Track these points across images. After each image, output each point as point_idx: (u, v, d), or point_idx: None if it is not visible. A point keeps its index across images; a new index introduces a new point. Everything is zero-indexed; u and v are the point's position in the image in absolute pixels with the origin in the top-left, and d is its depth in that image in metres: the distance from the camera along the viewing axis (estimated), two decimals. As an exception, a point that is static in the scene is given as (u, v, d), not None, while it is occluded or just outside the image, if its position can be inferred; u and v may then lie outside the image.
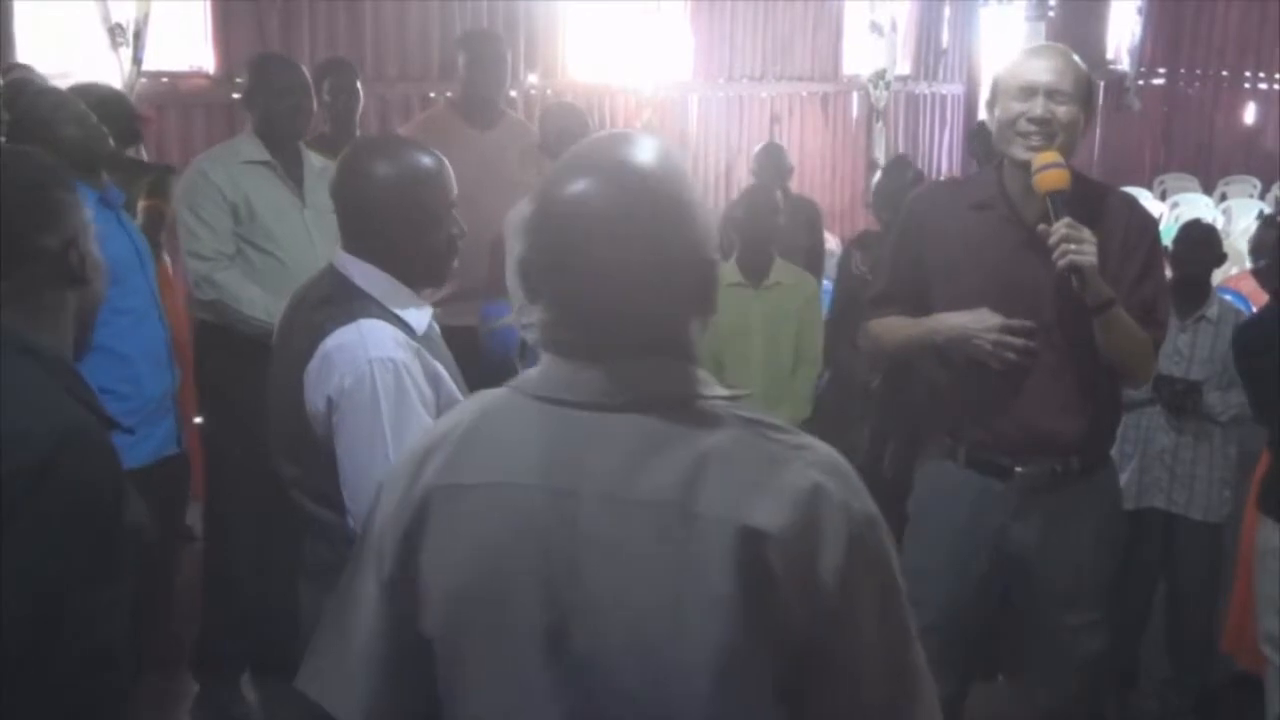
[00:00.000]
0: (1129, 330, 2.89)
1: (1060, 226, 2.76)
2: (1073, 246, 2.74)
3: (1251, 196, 13.62)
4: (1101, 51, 15.27)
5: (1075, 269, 2.75)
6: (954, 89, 12.50)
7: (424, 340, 2.48)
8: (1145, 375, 3.21)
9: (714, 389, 1.44)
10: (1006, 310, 2.90)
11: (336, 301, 2.44)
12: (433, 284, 2.59)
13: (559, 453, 1.41)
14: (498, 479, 1.43)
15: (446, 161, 2.54)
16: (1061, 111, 2.88)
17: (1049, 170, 2.82)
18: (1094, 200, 2.95)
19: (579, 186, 1.39)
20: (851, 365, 4.84)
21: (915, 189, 4.23)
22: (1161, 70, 15.69)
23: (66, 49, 6.18)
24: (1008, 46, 12.52)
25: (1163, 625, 4.49)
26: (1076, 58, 2.99)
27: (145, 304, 3.70)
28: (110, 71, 5.93)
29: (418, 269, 2.50)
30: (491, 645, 1.43)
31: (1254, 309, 7.92)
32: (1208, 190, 13.85)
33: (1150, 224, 3.09)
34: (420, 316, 2.49)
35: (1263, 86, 15.42)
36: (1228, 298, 4.99)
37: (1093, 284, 2.79)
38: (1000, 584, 3.09)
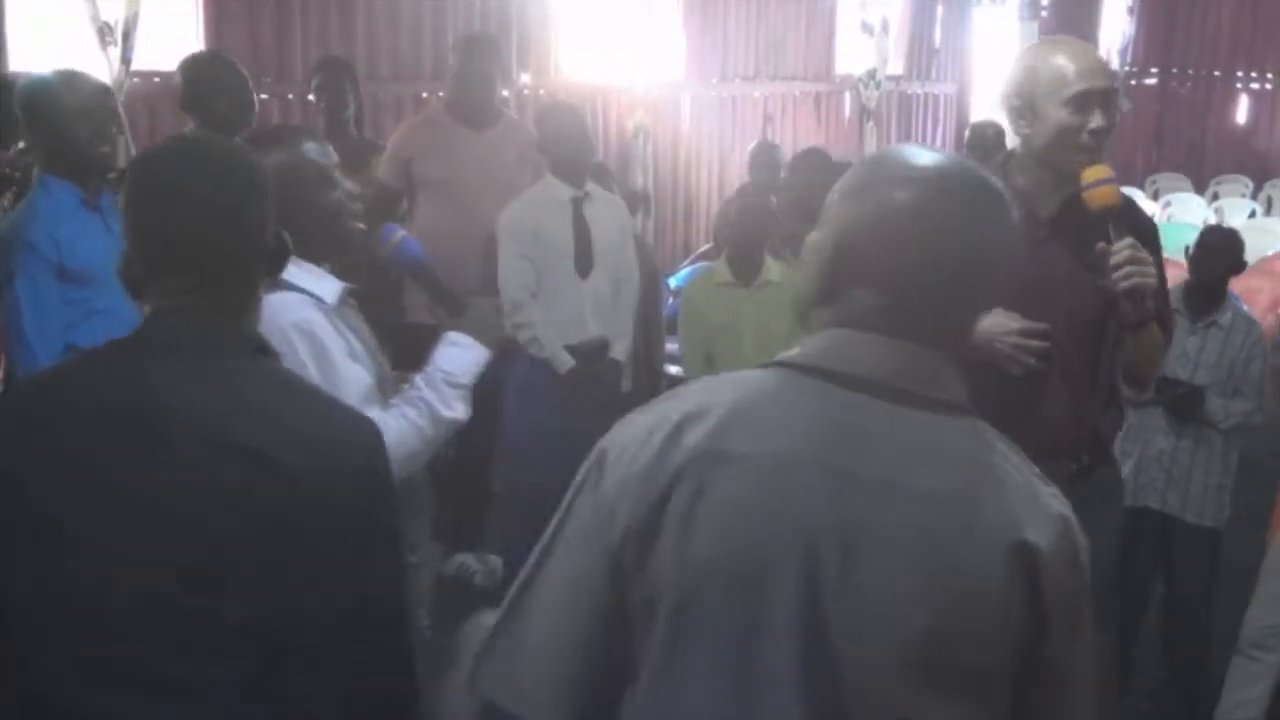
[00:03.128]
0: (1155, 340, 2.88)
1: (1124, 248, 2.68)
2: (1137, 270, 2.68)
3: (1243, 196, 13.63)
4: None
5: (1140, 292, 2.69)
6: (946, 89, 12.50)
7: (337, 310, 2.53)
8: (1153, 379, 3.21)
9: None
10: (1020, 309, 2.85)
11: None
12: (339, 254, 2.63)
13: (837, 431, 1.41)
14: (768, 448, 1.42)
15: (313, 142, 2.61)
16: (1112, 117, 2.83)
17: (1101, 187, 2.75)
18: (1125, 213, 2.87)
19: (924, 189, 1.46)
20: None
21: None
22: (1153, 70, 15.71)
23: (56, 48, 6.15)
24: (1000, 46, 12.55)
25: (1158, 627, 4.49)
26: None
27: (125, 306, 3.68)
28: (99, 71, 5.90)
29: (317, 245, 2.54)
30: (737, 616, 1.40)
31: (1246, 309, 7.97)
32: (1199, 190, 13.86)
33: (1153, 227, 3.06)
34: (330, 288, 2.54)
35: (1255, 86, 15.43)
36: (1243, 308, 4.96)
37: (1148, 305, 2.73)
38: None
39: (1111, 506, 3.14)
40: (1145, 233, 2.99)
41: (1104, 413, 3.02)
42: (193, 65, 4.41)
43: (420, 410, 2.55)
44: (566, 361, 4.57)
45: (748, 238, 4.71)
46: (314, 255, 2.54)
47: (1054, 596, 1.39)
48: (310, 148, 2.56)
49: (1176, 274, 4.38)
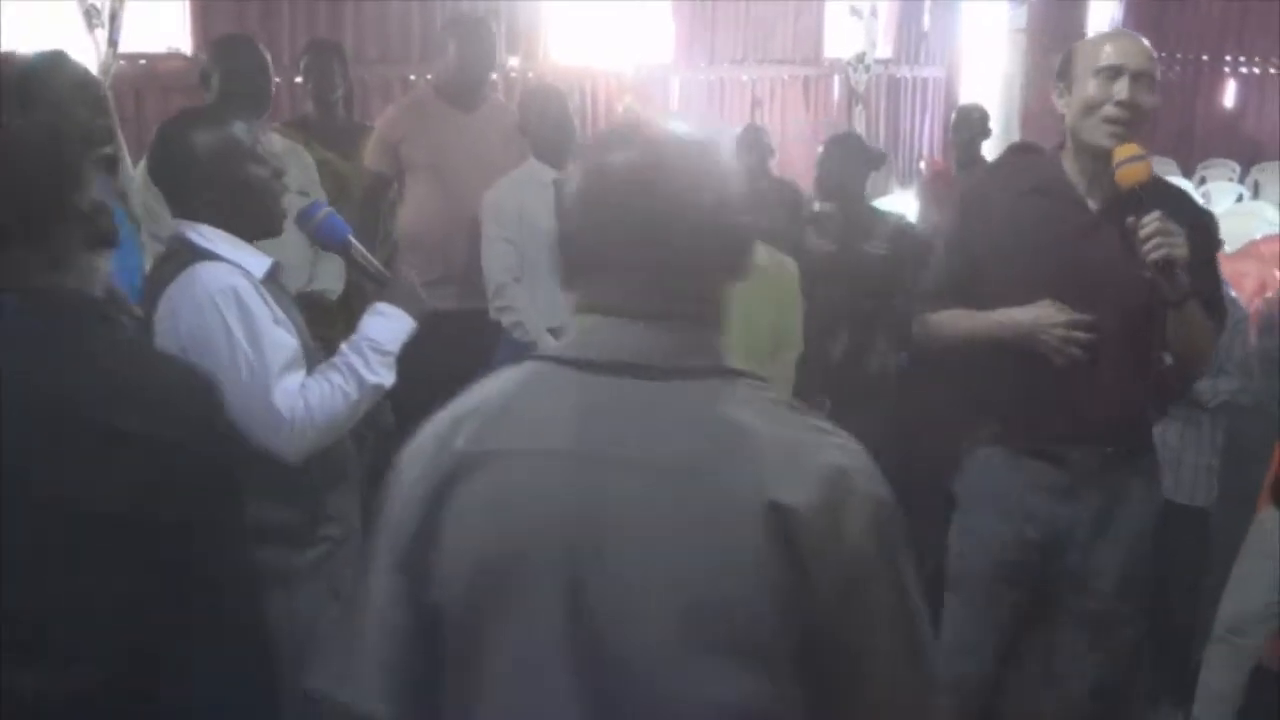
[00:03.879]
0: (1200, 321, 2.89)
1: (1153, 220, 2.71)
2: (1166, 240, 2.70)
3: (1231, 180, 13.66)
4: (1082, 35, 15.29)
5: (1169, 263, 2.71)
6: (935, 73, 12.48)
7: (266, 283, 2.61)
8: (1207, 363, 3.24)
9: (741, 366, 1.48)
10: (1067, 296, 2.85)
11: (172, 259, 2.61)
12: (267, 232, 2.70)
13: (589, 418, 1.43)
14: (527, 445, 1.44)
15: (244, 121, 2.68)
16: (1146, 98, 2.85)
17: (1133, 164, 2.78)
18: (1158, 191, 2.90)
19: (627, 154, 1.45)
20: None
21: (937, 179, 4.21)
22: (1141, 54, 15.69)
23: (42, 31, 6.12)
24: (988, 30, 12.53)
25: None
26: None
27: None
28: (86, 54, 5.87)
29: (246, 222, 2.64)
30: (511, 610, 1.42)
31: (1234, 294, 7.98)
32: (1188, 174, 13.87)
33: (1208, 216, 3.07)
34: (257, 262, 2.62)
35: (1243, 70, 15.46)
36: (1231, 291, 4.97)
37: (1181, 278, 2.75)
38: (1042, 569, 3.08)
39: (1152, 493, 3.15)
40: (1205, 223, 3.02)
41: (1147, 399, 3.03)
42: (221, 47, 4.38)
43: (345, 375, 2.61)
44: (552, 345, 4.56)
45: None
46: (242, 231, 2.63)
47: (818, 555, 1.36)
48: (237, 125, 2.63)
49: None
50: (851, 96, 11.03)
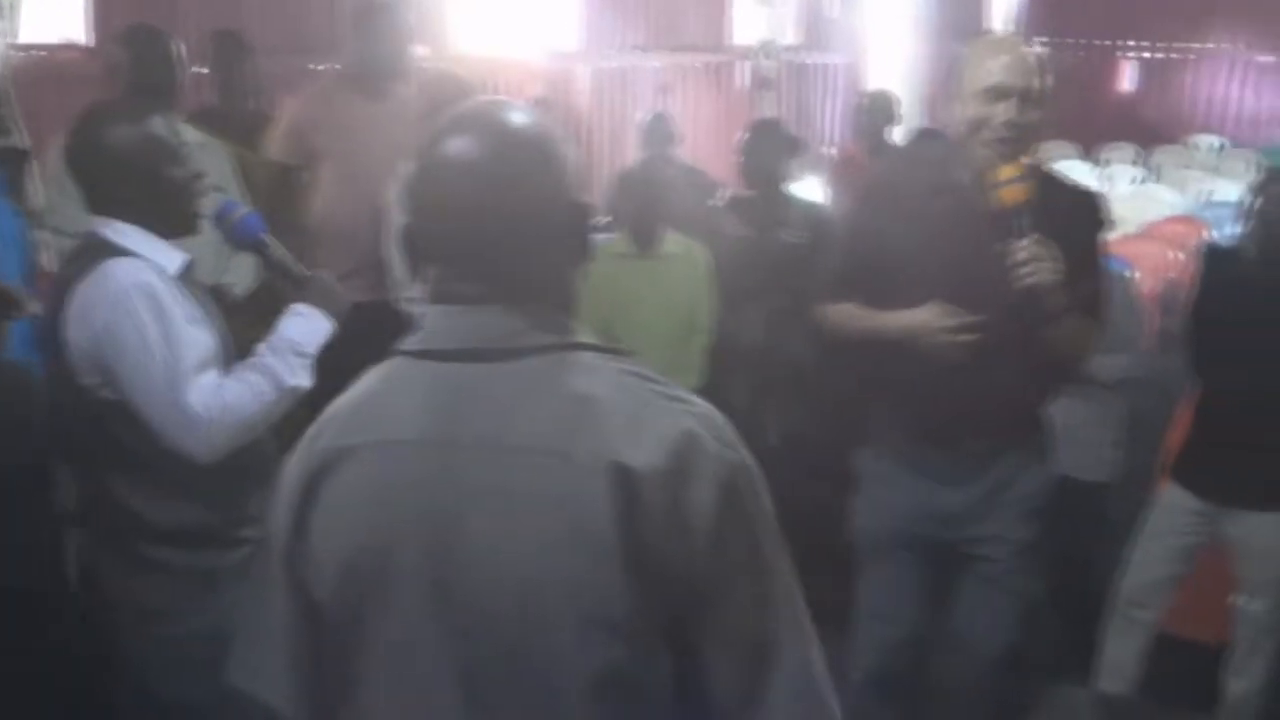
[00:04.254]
0: (1075, 329, 2.95)
1: (1023, 247, 2.77)
2: (1034, 268, 2.76)
3: (1131, 163, 13.92)
4: (982, 20, 15.47)
5: (1037, 289, 2.77)
6: (839, 59, 12.58)
7: (181, 280, 2.59)
8: (1083, 364, 3.32)
9: (592, 340, 1.49)
10: (959, 296, 2.89)
11: (84, 252, 2.58)
12: (184, 232, 2.67)
13: (438, 406, 1.44)
14: (379, 437, 1.46)
15: (163, 115, 2.66)
16: (1030, 116, 2.87)
17: (1012, 185, 2.81)
18: (1048, 194, 2.93)
19: (455, 142, 1.46)
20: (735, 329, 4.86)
21: (847, 164, 4.23)
22: (1043, 38, 15.93)
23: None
24: (893, 16, 12.64)
25: (1050, 583, 4.59)
26: (1036, 50, 2.98)
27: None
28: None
29: (163, 220, 2.61)
30: (379, 604, 1.44)
31: (1136, 274, 8.15)
32: (1089, 157, 14.11)
33: (1099, 218, 3.11)
34: (172, 258, 2.60)
35: (1143, 55, 15.74)
36: (1123, 270, 5.09)
37: (1049, 301, 2.81)
38: (940, 539, 3.17)
39: (1044, 468, 3.23)
40: (1093, 226, 3.06)
41: (1040, 389, 3.10)
42: (129, 38, 4.31)
43: (263, 376, 2.59)
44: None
45: (647, 209, 4.72)
46: (159, 229, 2.59)
47: (667, 518, 1.37)
48: (158, 122, 2.60)
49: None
50: (759, 83, 11.09)
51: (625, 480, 1.36)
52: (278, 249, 2.86)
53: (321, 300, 2.77)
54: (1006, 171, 2.82)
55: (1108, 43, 15.89)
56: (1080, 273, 2.93)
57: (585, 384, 1.43)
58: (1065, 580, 4.58)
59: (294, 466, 1.53)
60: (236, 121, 4.97)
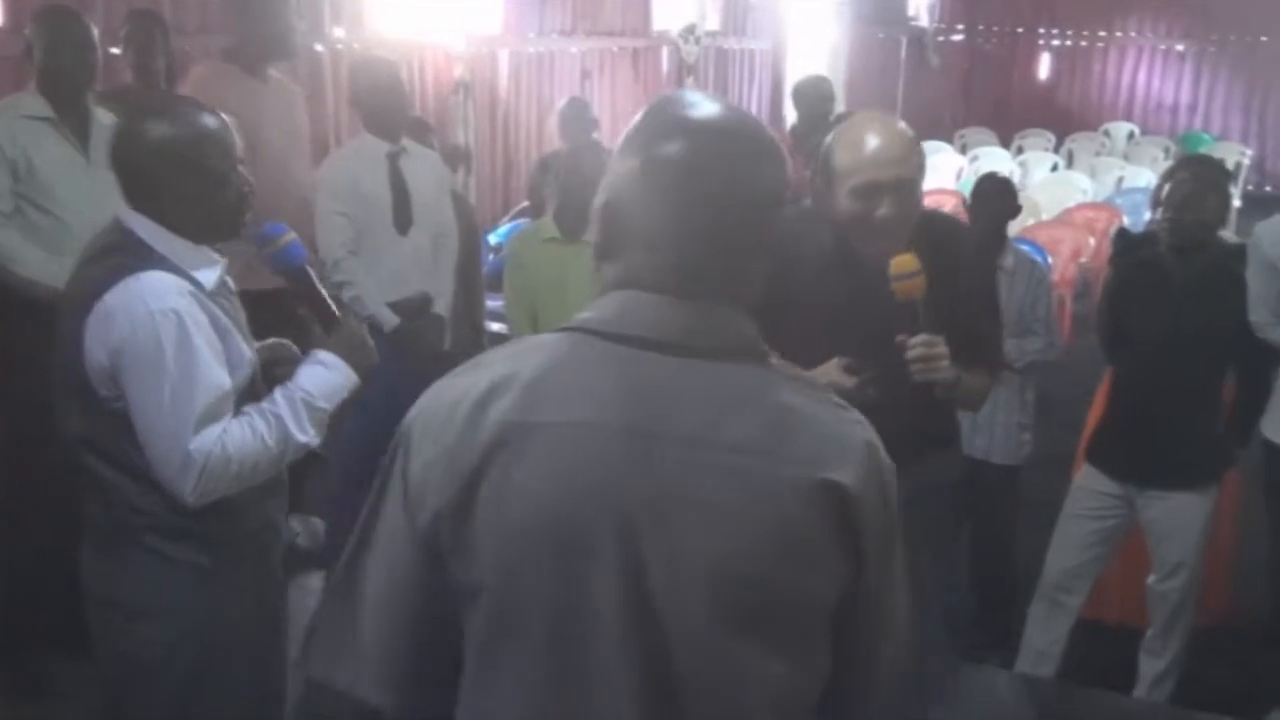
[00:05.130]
0: (971, 390, 2.97)
1: (917, 344, 2.75)
2: (927, 366, 2.75)
3: (1046, 150, 14.12)
4: (902, 9, 15.61)
5: (931, 385, 2.78)
6: (761, 44, 12.64)
7: (214, 295, 2.43)
8: (978, 408, 3.34)
9: (765, 346, 1.50)
10: (861, 352, 2.87)
11: (117, 255, 2.39)
12: (223, 239, 2.52)
13: (640, 394, 1.40)
14: (575, 417, 1.40)
15: (227, 119, 2.50)
16: (910, 202, 2.79)
17: (907, 280, 2.73)
18: (939, 238, 2.90)
19: (684, 141, 1.44)
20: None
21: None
22: (960, 27, 16.10)
23: None
24: (814, 2, 12.72)
25: (966, 567, 4.65)
26: (904, 126, 2.87)
27: None
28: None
29: (205, 226, 2.46)
30: (557, 593, 1.39)
31: (1050, 259, 8.28)
32: (1005, 144, 14.30)
33: (989, 262, 3.11)
34: (209, 273, 2.44)
35: (1056, 43, 15.95)
36: (1024, 248, 5.16)
37: (941, 390, 2.82)
38: None
39: (950, 458, 3.26)
40: (984, 271, 3.06)
41: (941, 416, 3.12)
42: (44, 19, 4.22)
43: (270, 426, 2.43)
44: (391, 319, 4.54)
45: (577, 194, 4.70)
46: (198, 234, 2.44)
47: (865, 531, 1.41)
48: (212, 121, 2.45)
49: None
50: (681, 68, 11.11)
51: (833, 494, 1.39)
52: (318, 283, 2.66)
53: (348, 352, 2.58)
54: (902, 263, 2.74)
55: (1021, 30, 16.08)
56: (972, 316, 2.94)
57: (780, 393, 1.44)
58: (981, 567, 4.65)
59: (453, 438, 1.43)
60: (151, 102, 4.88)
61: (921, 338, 2.75)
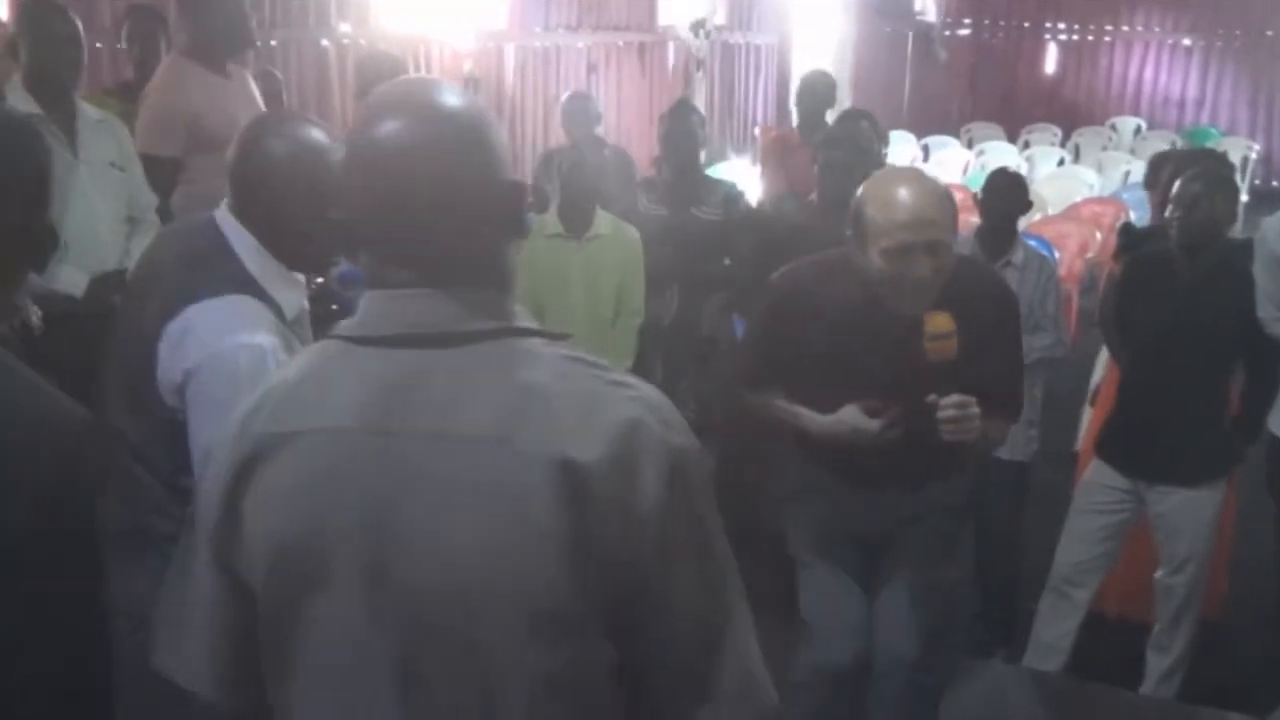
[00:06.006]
0: (992, 439, 2.99)
1: (949, 406, 2.73)
2: (958, 427, 2.75)
3: (1053, 144, 14.09)
4: (909, 3, 15.59)
5: (960, 445, 2.78)
6: (767, 39, 12.63)
7: (293, 324, 2.38)
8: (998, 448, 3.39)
9: (532, 324, 1.47)
10: (881, 396, 2.88)
11: (210, 266, 2.31)
12: (311, 269, 2.48)
13: (378, 393, 1.41)
14: (315, 424, 1.43)
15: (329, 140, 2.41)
16: (943, 263, 2.74)
17: (940, 341, 2.72)
18: (970, 292, 2.87)
19: (384, 124, 1.44)
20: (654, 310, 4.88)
21: (777, 145, 4.10)
22: (967, 21, 16.08)
23: None
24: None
25: (972, 561, 4.64)
26: (937, 182, 2.84)
27: None
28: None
29: (304, 255, 2.39)
30: (315, 593, 1.42)
31: (1056, 254, 8.26)
32: (1011, 138, 14.27)
33: (1013, 307, 3.07)
34: (293, 300, 2.38)
35: (1062, 37, 15.92)
36: (1033, 244, 5.14)
37: (968, 449, 2.84)
38: (873, 561, 3.18)
39: (959, 498, 3.25)
40: (1008, 316, 3.03)
41: (955, 453, 3.12)
42: (29, 14, 4.21)
43: None
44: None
45: (579, 190, 4.70)
46: (294, 260, 2.38)
47: (616, 509, 1.36)
48: (332, 147, 2.31)
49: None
50: (689, 62, 11.10)
51: (572, 474, 1.33)
52: None
53: None
54: (936, 323, 2.72)
55: (1027, 25, 16.05)
56: (995, 365, 2.92)
57: (528, 371, 1.40)
58: (988, 561, 4.64)
59: (226, 450, 1.48)
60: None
61: (954, 398, 2.73)
